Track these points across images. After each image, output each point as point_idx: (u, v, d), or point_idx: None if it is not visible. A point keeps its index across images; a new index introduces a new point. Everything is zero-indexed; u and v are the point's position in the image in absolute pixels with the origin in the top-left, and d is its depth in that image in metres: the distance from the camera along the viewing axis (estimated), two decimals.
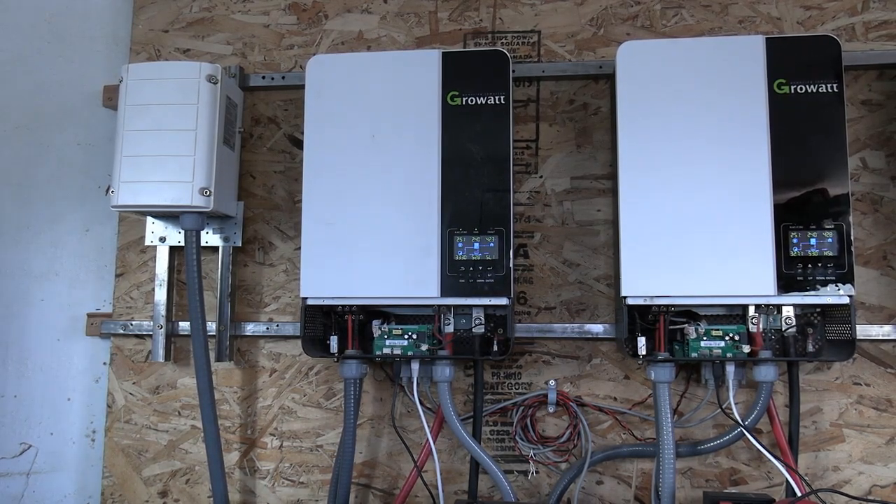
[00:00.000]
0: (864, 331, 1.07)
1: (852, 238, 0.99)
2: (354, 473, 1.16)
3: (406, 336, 1.08)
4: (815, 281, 0.98)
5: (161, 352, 1.22)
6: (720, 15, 1.19)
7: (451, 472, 1.16)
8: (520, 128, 1.21)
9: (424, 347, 1.07)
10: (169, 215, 1.22)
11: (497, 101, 1.08)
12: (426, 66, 1.10)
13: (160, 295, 1.23)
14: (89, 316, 1.30)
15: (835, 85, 1.01)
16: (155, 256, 1.25)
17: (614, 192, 1.11)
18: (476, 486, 1.12)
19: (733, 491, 1.09)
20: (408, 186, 1.07)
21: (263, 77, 1.27)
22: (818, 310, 1.05)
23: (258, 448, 1.22)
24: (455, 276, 1.05)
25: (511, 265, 1.04)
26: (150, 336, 1.24)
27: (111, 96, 1.32)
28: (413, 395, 1.09)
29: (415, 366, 1.09)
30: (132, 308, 1.27)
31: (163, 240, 1.24)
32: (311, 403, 1.22)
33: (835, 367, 1.10)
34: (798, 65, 1.02)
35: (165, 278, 1.23)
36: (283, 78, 1.27)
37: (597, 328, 1.14)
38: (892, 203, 1.12)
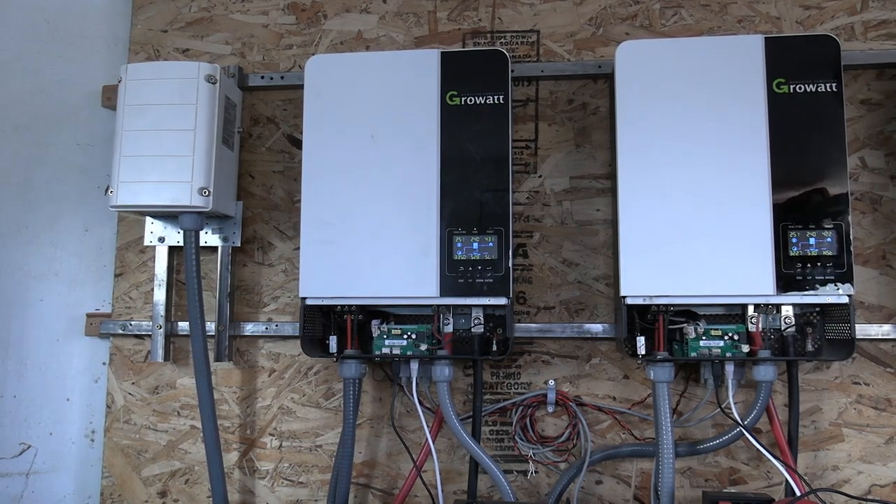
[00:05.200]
0: (864, 330, 1.07)
1: (851, 237, 0.99)
2: (354, 473, 1.16)
3: (405, 336, 1.08)
4: (814, 280, 0.98)
5: (160, 352, 1.22)
6: (719, 14, 1.19)
7: (450, 472, 1.16)
8: (519, 127, 1.21)
9: (424, 347, 1.07)
10: (168, 215, 1.22)
11: (496, 101, 1.08)
12: (425, 66, 1.10)
13: (159, 295, 1.23)
14: (88, 316, 1.30)
15: (834, 84, 1.01)
16: (154, 256, 1.25)
17: (613, 192, 1.11)
18: (475, 485, 1.12)
19: (732, 490, 1.09)
20: (407, 186, 1.07)
21: (262, 77, 1.27)
22: (817, 309, 1.05)
23: (257, 448, 1.22)
24: (454, 275, 1.05)
25: (510, 264, 1.04)
26: (150, 336, 1.24)
27: (110, 96, 1.32)
28: (412, 394, 1.09)
29: (414, 366, 1.09)
30: (131, 308, 1.27)
31: (162, 240, 1.24)
32: (310, 403, 1.22)
33: (834, 367, 1.10)
34: (797, 64, 1.02)
35: (164, 278, 1.23)
36: (282, 78, 1.27)
37: (596, 328, 1.14)
38: (892, 202, 1.12)
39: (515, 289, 1.17)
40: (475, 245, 1.05)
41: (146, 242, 1.24)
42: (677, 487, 1.11)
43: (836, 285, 0.98)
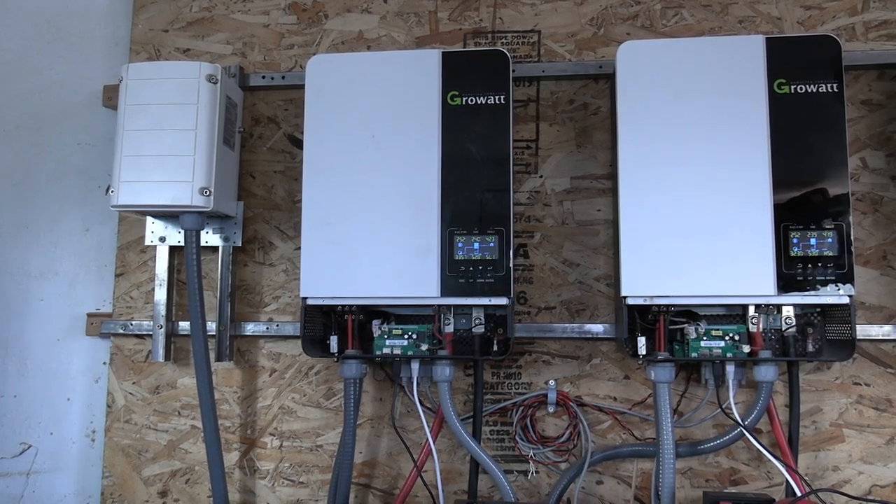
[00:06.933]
0: (864, 331, 1.07)
1: (852, 238, 0.99)
2: (354, 473, 1.16)
3: (406, 336, 1.08)
4: (815, 281, 0.98)
5: (161, 351, 1.22)
6: (720, 15, 1.19)
7: (451, 472, 1.16)
8: (520, 128, 1.21)
9: (424, 347, 1.07)
10: (169, 215, 1.22)
11: (497, 101, 1.08)
12: (426, 66, 1.10)
13: (160, 295, 1.23)
14: (89, 316, 1.30)
15: (835, 85, 1.01)
16: (155, 256, 1.25)
17: (614, 192, 1.11)
18: (476, 485, 1.12)
19: (733, 491, 1.09)
20: (408, 186, 1.07)
21: (263, 77, 1.27)
22: (818, 310, 1.05)
23: (258, 448, 1.22)
24: (455, 275, 1.05)
25: (511, 265, 1.04)
26: (150, 336, 1.24)
27: (111, 96, 1.32)
28: (413, 395, 1.09)
29: (415, 366, 1.09)
30: (132, 308, 1.27)
31: (163, 239, 1.24)
32: (310, 403, 1.22)
33: (835, 367, 1.10)
34: (798, 65, 1.02)
35: (165, 278, 1.23)
36: (283, 78, 1.27)
37: (597, 328, 1.14)
38: (892, 203, 1.12)
39: (516, 289, 1.17)
40: (476, 245, 1.05)
41: (147, 242, 1.24)
42: (678, 488, 1.11)
43: (836, 286, 0.98)
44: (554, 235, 1.18)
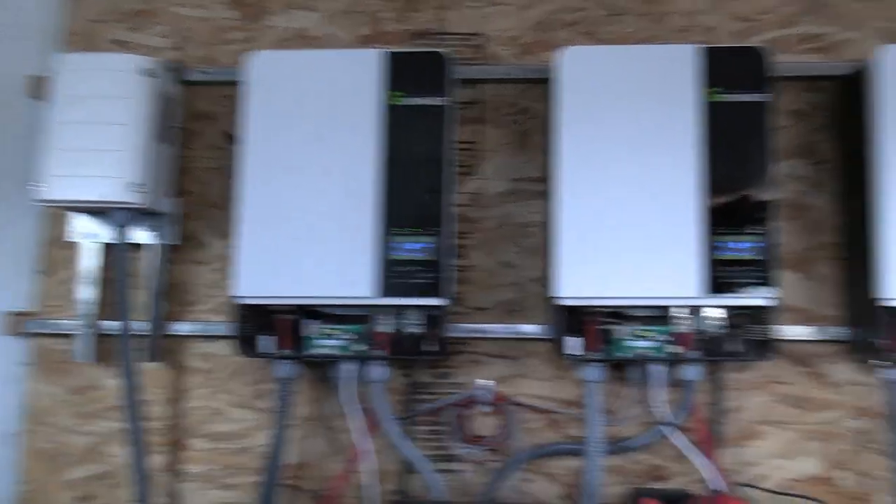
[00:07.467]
0: (786, 332, 1.11)
1: (777, 243, 1.02)
2: (285, 475, 1.15)
3: (340, 336, 1.07)
4: (740, 284, 1.01)
5: (85, 351, 1.18)
6: (659, 24, 1.22)
7: (384, 473, 1.15)
8: (461, 129, 1.21)
9: (359, 348, 1.06)
10: (98, 211, 1.18)
11: (438, 103, 1.08)
12: (366, 66, 1.09)
13: (86, 293, 1.19)
14: (10, 314, 1.24)
15: (765, 95, 1.04)
16: (81, 253, 1.20)
17: (549, 195, 1.13)
18: (408, 485, 1.11)
19: (656, 486, 1.11)
20: (345, 185, 1.06)
21: (202, 72, 1.24)
22: (743, 311, 1.07)
23: (186, 451, 1.19)
24: (391, 275, 1.04)
25: (448, 266, 1.04)
26: (75, 335, 1.19)
27: (37, 86, 1.27)
28: (346, 395, 1.08)
29: (348, 366, 1.08)
30: (55, 307, 1.23)
31: (90, 236, 1.20)
32: (241, 405, 1.19)
33: (757, 367, 1.13)
34: (729, 74, 1.05)
35: (92, 276, 1.19)
36: (223, 73, 1.24)
37: (530, 329, 1.15)
38: (816, 210, 1.16)
39: (453, 290, 1.17)
40: (413, 245, 1.05)
41: (73, 239, 1.20)
42: (605, 484, 1.12)
43: (761, 289, 1.01)
44: (492, 237, 1.19)
